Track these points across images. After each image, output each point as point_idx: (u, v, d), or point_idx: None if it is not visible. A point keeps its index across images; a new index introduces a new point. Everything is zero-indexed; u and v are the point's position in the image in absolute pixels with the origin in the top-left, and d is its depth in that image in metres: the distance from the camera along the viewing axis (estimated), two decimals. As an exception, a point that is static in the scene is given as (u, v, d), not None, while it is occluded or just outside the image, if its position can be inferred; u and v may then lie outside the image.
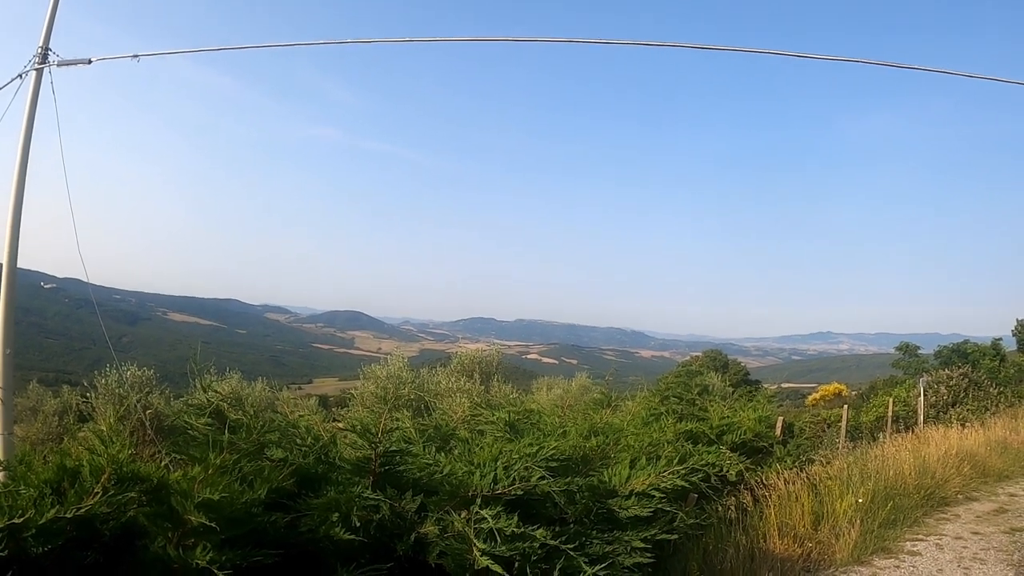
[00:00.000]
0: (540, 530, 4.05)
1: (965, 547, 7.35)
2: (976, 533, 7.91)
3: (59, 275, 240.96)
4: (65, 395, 22.18)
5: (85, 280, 10.37)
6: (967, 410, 18.09)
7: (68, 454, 3.36)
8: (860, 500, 7.72)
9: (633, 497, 4.91)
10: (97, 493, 3.11)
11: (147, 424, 5.88)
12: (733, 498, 7.44)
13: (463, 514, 4.11)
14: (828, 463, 9.22)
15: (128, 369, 17.66)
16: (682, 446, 6.65)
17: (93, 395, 16.28)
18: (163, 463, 3.85)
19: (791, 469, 8.27)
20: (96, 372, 17.25)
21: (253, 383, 18.36)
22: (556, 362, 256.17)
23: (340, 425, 5.88)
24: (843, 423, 14.94)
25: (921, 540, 7.57)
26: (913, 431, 14.20)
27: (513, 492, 4.25)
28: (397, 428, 5.21)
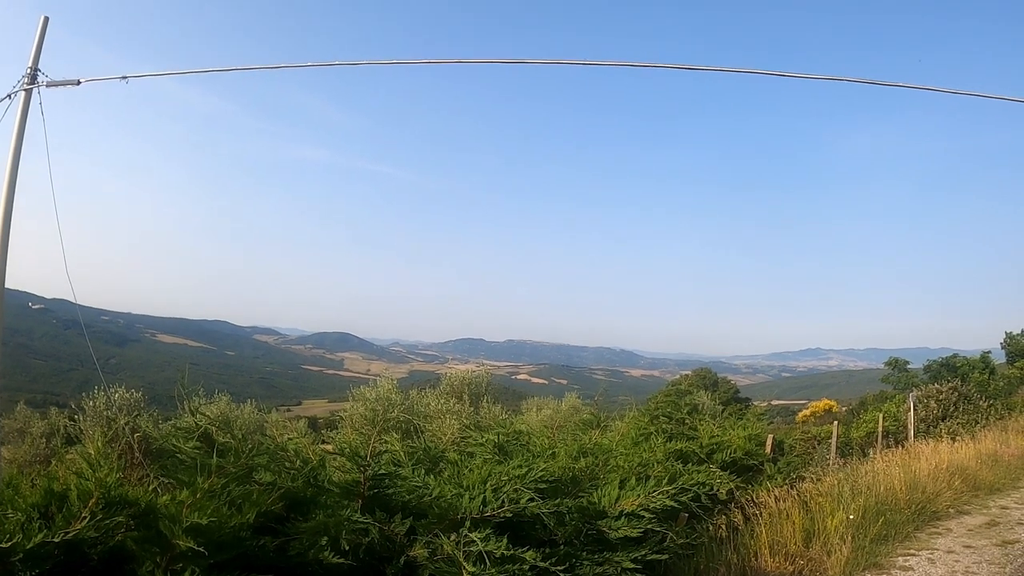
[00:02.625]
0: (530, 552, 4.03)
1: (957, 561, 7.37)
2: (968, 547, 7.94)
3: (47, 296, 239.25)
4: (53, 417, 22.03)
5: (73, 301, 10.30)
6: (957, 424, 18.17)
7: (56, 477, 3.34)
8: (851, 516, 7.74)
9: (623, 518, 4.91)
10: (85, 517, 3.09)
11: (135, 447, 5.83)
12: (724, 517, 7.44)
13: (452, 537, 4.09)
14: (819, 480, 9.23)
15: (116, 391, 17.57)
16: (672, 465, 6.66)
17: (81, 417, 16.17)
18: (151, 487, 3.83)
19: (782, 487, 8.28)
20: (84, 394, 17.18)
21: (242, 405, 18.33)
22: (546, 382, 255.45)
23: (329, 448, 5.87)
24: (833, 439, 14.98)
25: (913, 555, 7.59)
26: (903, 446, 14.25)
27: (502, 514, 4.24)
28: (386, 451, 5.19)
